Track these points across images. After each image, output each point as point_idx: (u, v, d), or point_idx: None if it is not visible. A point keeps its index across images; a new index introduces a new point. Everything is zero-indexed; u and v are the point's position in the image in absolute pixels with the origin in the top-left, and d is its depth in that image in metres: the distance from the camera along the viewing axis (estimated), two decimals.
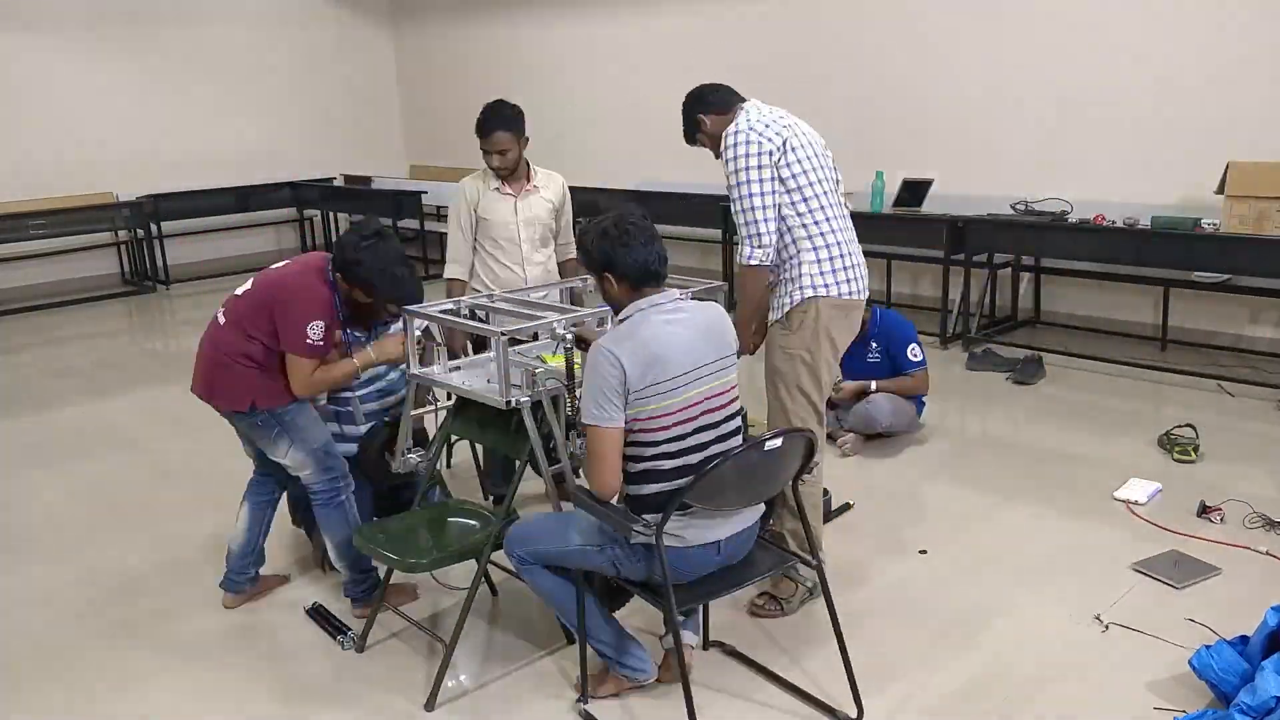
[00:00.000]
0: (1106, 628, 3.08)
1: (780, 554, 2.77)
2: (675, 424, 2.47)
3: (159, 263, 9.28)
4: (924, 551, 3.61)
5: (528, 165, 4.01)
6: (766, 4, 7.70)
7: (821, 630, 2.96)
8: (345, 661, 3.09)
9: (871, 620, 3.18)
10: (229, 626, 3.31)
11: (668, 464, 2.48)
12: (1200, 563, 3.42)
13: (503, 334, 2.83)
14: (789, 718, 2.74)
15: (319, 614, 3.34)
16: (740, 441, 2.58)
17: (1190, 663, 2.72)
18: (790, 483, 2.65)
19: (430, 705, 2.82)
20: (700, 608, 2.95)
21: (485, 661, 3.05)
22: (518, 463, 2.97)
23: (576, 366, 2.80)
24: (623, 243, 2.50)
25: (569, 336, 2.84)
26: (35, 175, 8.90)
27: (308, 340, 3.05)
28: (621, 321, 2.55)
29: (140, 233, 9.22)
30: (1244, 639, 2.70)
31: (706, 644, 3.05)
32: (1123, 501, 3.95)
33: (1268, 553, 3.49)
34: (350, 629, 3.21)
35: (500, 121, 3.83)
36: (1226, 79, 5.62)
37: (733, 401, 2.59)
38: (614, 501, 2.55)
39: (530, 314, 3.12)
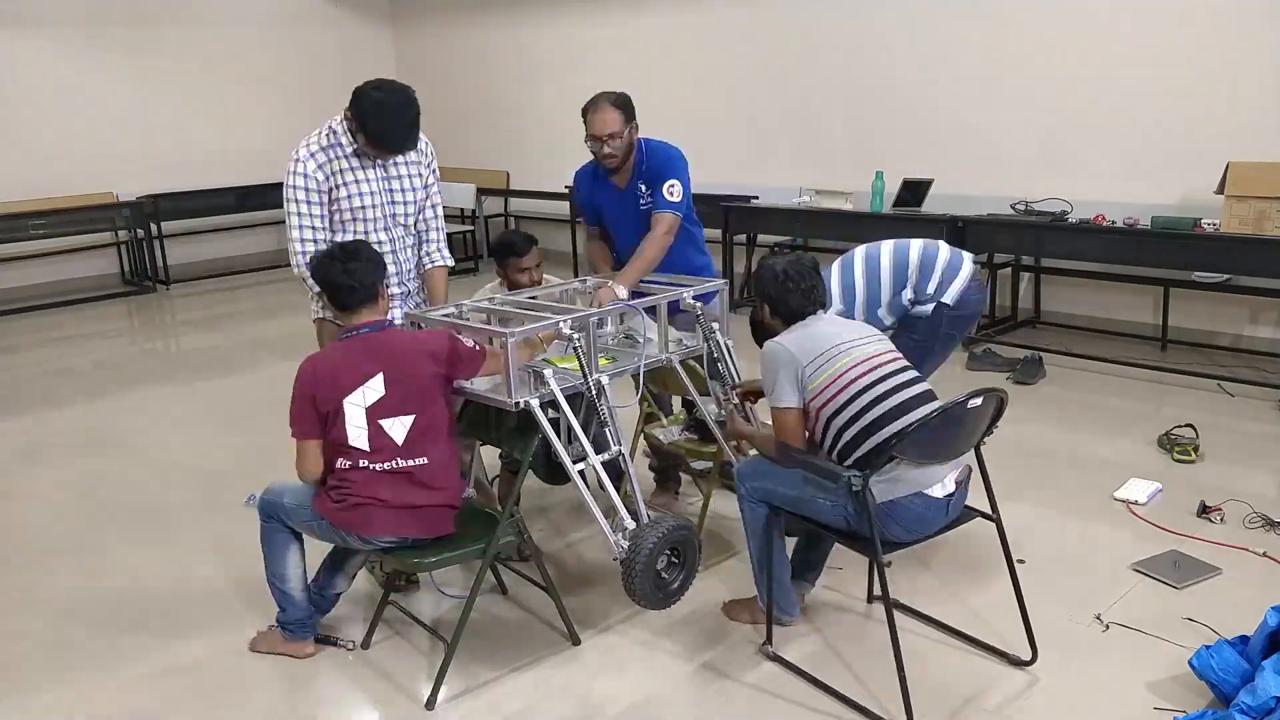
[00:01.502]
0: (1106, 628, 3.08)
1: (964, 509, 2.89)
2: (848, 383, 2.74)
3: (159, 263, 9.28)
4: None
5: None
6: (766, 4, 7.70)
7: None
8: (347, 659, 3.09)
9: (878, 631, 3.18)
10: (229, 626, 3.31)
11: (857, 425, 2.72)
12: (1200, 563, 3.43)
13: (511, 335, 2.84)
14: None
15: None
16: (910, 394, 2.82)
17: (1190, 663, 2.72)
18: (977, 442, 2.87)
19: (431, 704, 2.83)
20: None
21: (488, 661, 3.05)
22: (523, 462, 2.98)
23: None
24: (785, 289, 2.90)
25: (576, 337, 2.86)
26: (35, 175, 8.89)
27: (469, 345, 2.95)
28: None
29: (140, 233, 9.22)
30: (1244, 639, 2.70)
31: (870, 598, 3.31)
32: (1123, 501, 3.95)
33: (1267, 553, 3.49)
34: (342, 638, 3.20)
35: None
36: (1226, 79, 5.62)
37: (895, 359, 2.85)
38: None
39: (535, 315, 3.12)
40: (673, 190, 3.83)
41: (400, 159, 3.33)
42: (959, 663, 2.96)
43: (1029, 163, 6.44)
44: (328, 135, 3.27)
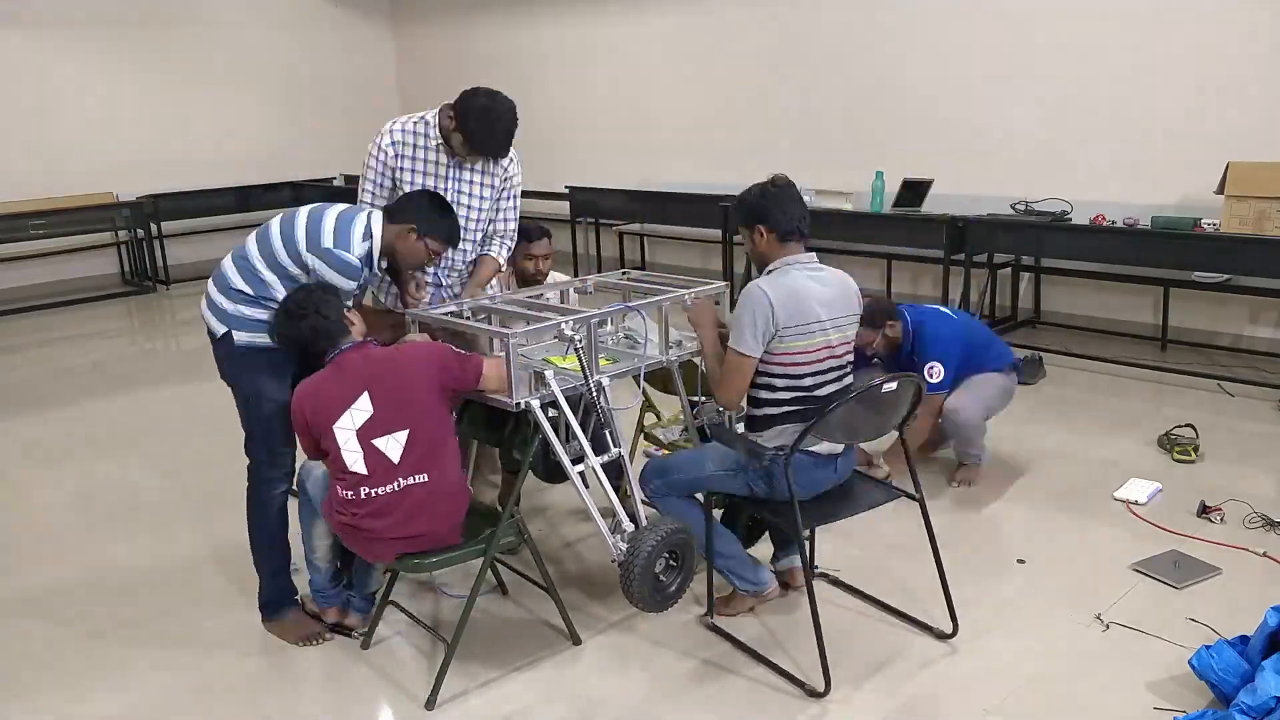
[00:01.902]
0: (1107, 628, 3.08)
1: (888, 489, 3.11)
2: (810, 362, 2.87)
3: (159, 263, 9.28)
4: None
5: None
6: (766, 4, 7.70)
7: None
8: (347, 659, 3.09)
9: (871, 620, 3.18)
10: (229, 626, 3.31)
11: (790, 395, 2.89)
12: (1200, 563, 3.43)
13: (512, 336, 2.84)
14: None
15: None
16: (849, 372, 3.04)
17: (1190, 663, 2.72)
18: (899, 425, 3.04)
19: (431, 704, 2.83)
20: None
21: (489, 661, 3.05)
22: (523, 462, 2.98)
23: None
24: (776, 200, 2.91)
25: (577, 338, 2.87)
26: (35, 175, 8.89)
27: (462, 353, 2.92)
28: (770, 271, 2.93)
29: (140, 233, 9.22)
30: (1244, 639, 2.70)
31: (812, 573, 3.31)
32: (1123, 501, 3.95)
33: (1267, 553, 3.49)
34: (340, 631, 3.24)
35: None
36: (1226, 79, 5.63)
37: (849, 352, 3.00)
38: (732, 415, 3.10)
39: (536, 315, 3.12)
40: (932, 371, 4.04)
41: (478, 165, 3.48)
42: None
43: (1029, 163, 6.44)
44: (418, 122, 3.44)
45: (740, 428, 3.09)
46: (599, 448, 3.02)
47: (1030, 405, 5.20)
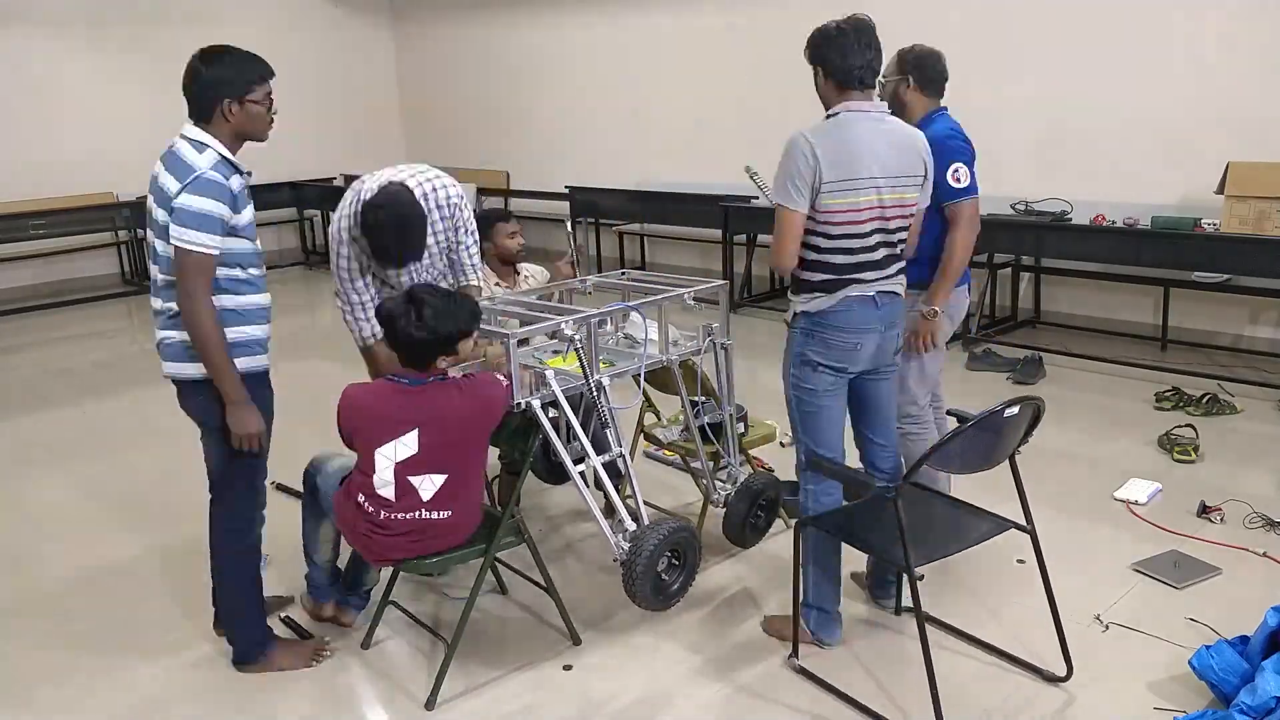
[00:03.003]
0: (1106, 628, 3.08)
1: (997, 520, 2.79)
2: (852, 221, 2.66)
3: None
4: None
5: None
6: (766, 4, 7.70)
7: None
8: (347, 659, 3.09)
9: (873, 621, 3.18)
10: None
11: (838, 259, 2.71)
12: (1200, 563, 3.43)
13: (513, 336, 2.84)
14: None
15: (290, 625, 3.31)
16: (899, 257, 2.83)
17: (1190, 663, 2.72)
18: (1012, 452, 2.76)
19: (431, 704, 2.83)
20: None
21: (489, 660, 3.05)
22: (524, 463, 2.98)
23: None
24: (838, 44, 2.66)
25: (578, 338, 2.87)
26: (35, 175, 8.89)
27: (500, 381, 2.85)
28: (829, 118, 2.70)
29: (140, 233, 9.22)
30: (1244, 639, 2.70)
31: (899, 610, 3.20)
32: (1123, 501, 3.95)
33: (1267, 553, 3.49)
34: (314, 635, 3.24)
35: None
36: (1226, 79, 5.62)
37: (904, 219, 2.77)
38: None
39: (535, 315, 3.12)
40: None
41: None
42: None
43: (1029, 163, 6.44)
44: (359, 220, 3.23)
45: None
46: (599, 448, 3.02)
47: None
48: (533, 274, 4.16)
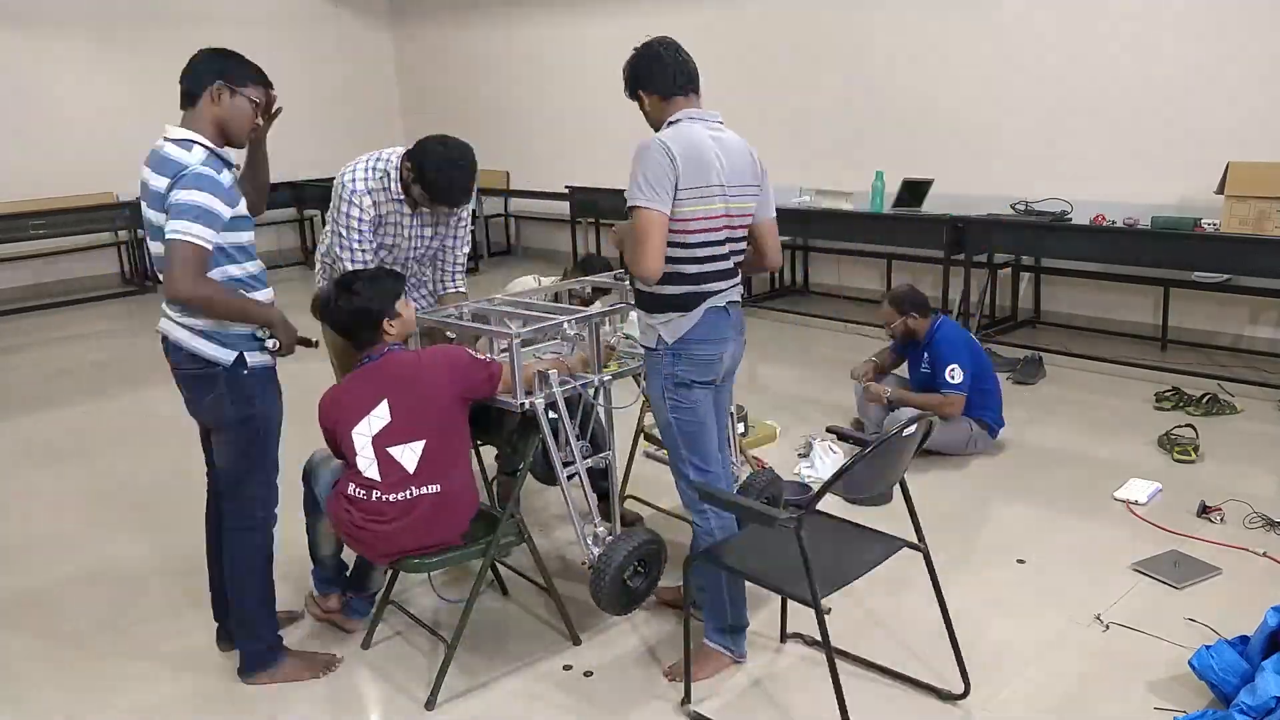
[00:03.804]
0: (1106, 628, 3.08)
1: (889, 541, 2.69)
2: (708, 229, 2.64)
3: None
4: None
5: None
6: (765, 4, 7.71)
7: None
8: (347, 659, 3.09)
9: (871, 620, 3.18)
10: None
11: (693, 269, 2.66)
12: (1200, 563, 3.43)
13: (516, 336, 2.85)
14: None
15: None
16: (736, 269, 2.81)
17: (1190, 663, 2.72)
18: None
19: (431, 704, 2.83)
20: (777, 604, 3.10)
21: (489, 660, 3.05)
22: (522, 464, 2.99)
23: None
24: (648, 61, 2.73)
25: (582, 336, 2.89)
26: (35, 175, 8.89)
27: (482, 359, 2.87)
28: (669, 126, 2.69)
29: (140, 233, 9.22)
30: (1244, 639, 2.70)
31: (784, 637, 3.10)
32: (1123, 501, 3.95)
33: (1267, 553, 3.49)
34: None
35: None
36: (1226, 79, 5.62)
37: (745, 226, 2.78)
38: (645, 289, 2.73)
39: (538, 315, 3.13)
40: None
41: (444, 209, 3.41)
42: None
43: (1029, 163, 6.44)
44: (381, 177, 3.31)
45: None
46: (597, 447, 3.04)
47: (1030, 405, 5.20)
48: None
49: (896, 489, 2.78)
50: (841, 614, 3.16)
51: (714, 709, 2.76)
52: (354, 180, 3.30)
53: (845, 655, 2.93)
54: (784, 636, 3.10)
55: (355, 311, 2.83)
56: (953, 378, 4.35)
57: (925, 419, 2.58)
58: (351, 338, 2.89)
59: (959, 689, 2.76)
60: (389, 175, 3.30)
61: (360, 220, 3.28)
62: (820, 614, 2.35)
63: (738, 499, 2.72)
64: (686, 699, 2.75)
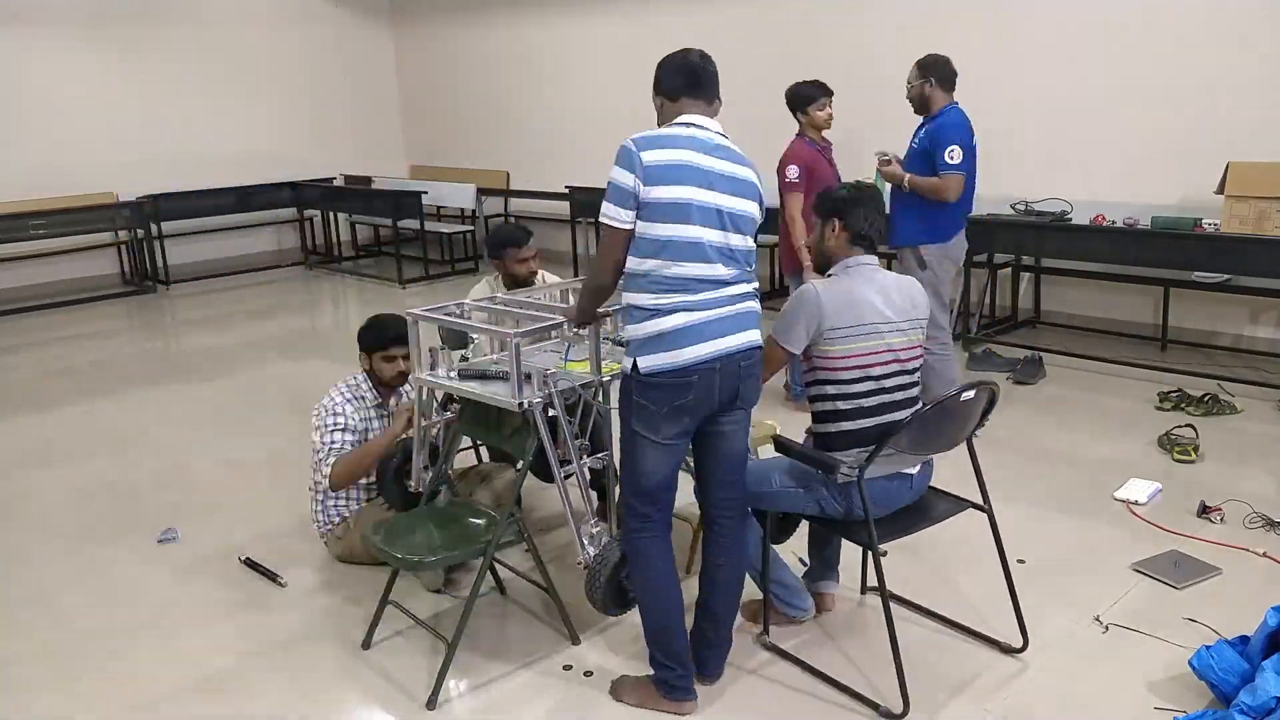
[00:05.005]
0: (1106, 628, 3.08)
1: (956, 500, 2.98)
2: (865, 366, 2.74)
3: (159, 263, 9.28)
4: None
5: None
6: (765, 4, 7.70)
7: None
8: (347, 659, 3.09)
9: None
10: (231, 626, 3.32)
11: (851, 405, 2.76)
12: (1200, 563, 3.43)
13: (516, 335, 2.85)
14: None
15: (251, 565, 3.56)
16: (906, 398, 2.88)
17: (1190, 663, 2.73)
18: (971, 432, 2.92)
19: (432, 704, 2.83)
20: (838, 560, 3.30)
21: (489, 660, 3.05)
22: (524, 463, 2.99)
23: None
24: (857, 202, 2.89)
25: (583, 335, 2.91)
26: (35, 175, 8.89)
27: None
28: (830, 274, 2.89)
29: (140, 233, 9.22)
30: (1244, 639, 2.70)
31: (865, 589, 3.36)
32: (1123, 501, 3.95)
33: (1267, 553, 3.49)
34: (281, 575, 3.46)
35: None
36: (1226, 79, 5.62)
37: (916, 358, 2.85)
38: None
39: (537, 315, 3.13)
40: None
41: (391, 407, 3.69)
42: (953, 651, 3.01)
43: (1029, 163, 6.44)
44: (352, 389, 3.63)
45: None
46: (597, 448, 3.04)
47: (1030, 405, 5.20)
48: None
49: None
50: (910, 568, 3.45)
51: (788, 645, 3.03)
52: (333, 396, 3.62)
53: (907, 603, 3.22)
54: (864, 589, 3.35)
55: None
56: (951, 158, 4.51)
57: (986, 387, 2.77)
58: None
59: (1018, 643, 2.96)
60: (359, 385, 3.64)
61: (344, 428, 3.60)
62: (877, 555, 2.66)
63: (807, 449, 2.84)
64: (765, 631, 3.07)
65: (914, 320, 2.83)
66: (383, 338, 3.57)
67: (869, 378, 2.75)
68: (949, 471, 3.09)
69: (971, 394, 2.73)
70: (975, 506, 2.92)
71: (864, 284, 2.79)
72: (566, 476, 2.98)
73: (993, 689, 2.82)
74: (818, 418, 2.83)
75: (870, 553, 2.70)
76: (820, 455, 2.76)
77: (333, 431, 3.51)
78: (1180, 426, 4.55)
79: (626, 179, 2.54)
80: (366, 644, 3.15)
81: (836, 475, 2.71)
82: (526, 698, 2.87)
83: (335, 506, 3.62)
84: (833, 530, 2.95)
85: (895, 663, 2.66)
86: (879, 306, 2.75)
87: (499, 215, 10.23)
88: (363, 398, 3.62)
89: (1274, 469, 4.25)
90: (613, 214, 2.56)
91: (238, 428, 5.27)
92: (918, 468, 2.87)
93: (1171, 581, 3.31)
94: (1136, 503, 3.92)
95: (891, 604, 2.75)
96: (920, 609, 3.21)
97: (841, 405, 2.76)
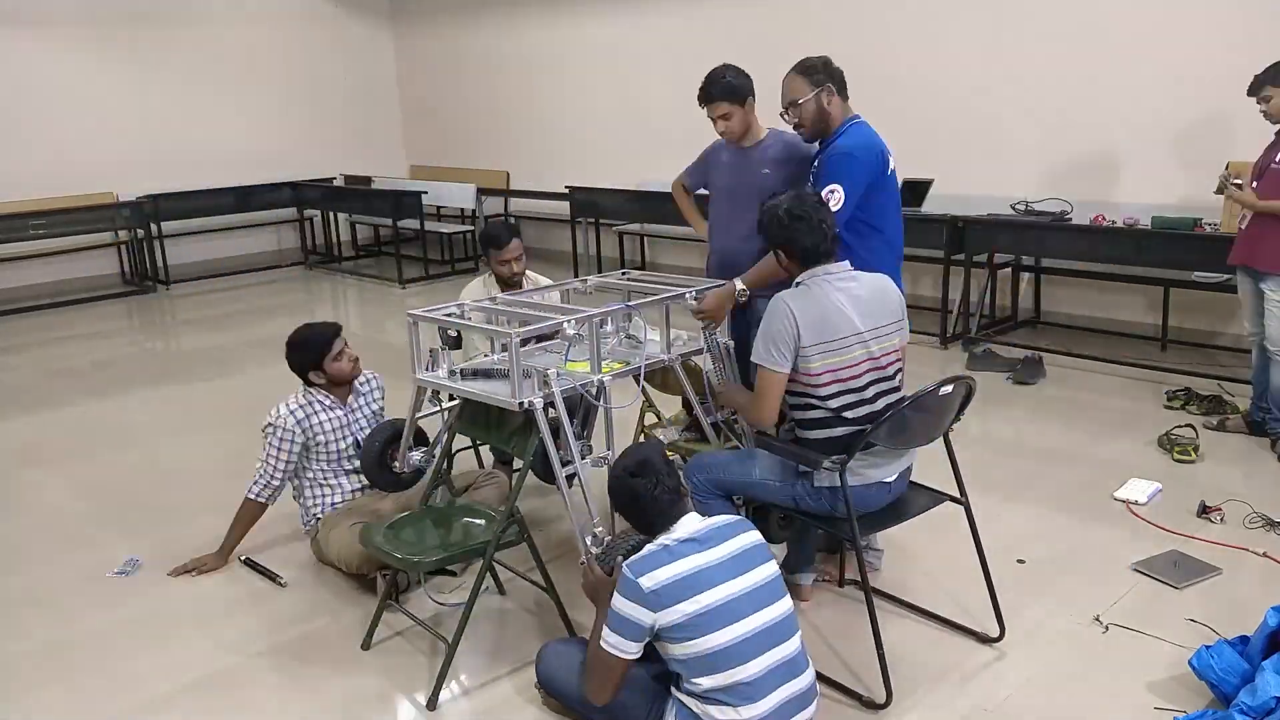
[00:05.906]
0: (1106, 628, 3.08)
1: (932, 494, 3.05)
2: (843, 379, 2.75)
3: (159, 263, 9.28)
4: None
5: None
6: (765, 4, 7.70)
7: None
8: (348, 659, 3.09)
9: (851, 611, 3.18)
10: (230, 626, 3.32)
11: (831, 414, 2.77)
12: (1200, 563, 3.43)
13: (517, 335, 2.85)
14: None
15: (251, 565, 3.58)
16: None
17: (1190, 663, 2.73)
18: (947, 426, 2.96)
19: (432, 704, 2.83)
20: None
21: (489, 661, 3.05)
22: (525, 463, 2.99)
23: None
24: (797, 228, 2.81)
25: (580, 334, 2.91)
26: (35, 175, 8.89)
27: None
28: (799, 284, 2.84)
29: (140, 233, 9.22)
30: (1244, 639, 2.70)
31: (843, 581, 3.40)
32: (1123, 501, 3.95)
33: (1267, 553, 3.49)
34: (281, 575, 3.46)
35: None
36: (1226, 79, 5.61)
37: (897, 362, 2.87)
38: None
39: (538, 315, 3.13)
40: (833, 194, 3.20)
41: (360, 402, 3.71)
42: (938, 644, 3.06)
43: (1029, 163, 6.44)
44: (304, 407, 3.60)
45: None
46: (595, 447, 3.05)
47: (1030, 405, 5.20)
48: (534, 281, 4.16)
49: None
50: (888, 563, 3.47)
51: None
52: (281, 414, 3.62)
53: (886, 596, 3.25)
54: (842, 581, 3.39)
55: None
56: (831, 200, 3.14)
57: (963, 382, 2.79)
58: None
59: (995, 633, 3.02)
60: (310, 392, 3.66)
61: (282, 441, 3.65)
62: (859, 548, 2.72)
63: (789, 446, 2.86)
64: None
65: (892, 323, 2.84)
66: (319, 344, 3.60)
67: (849, 390, 2.77)
68: (931, 468, 3.11)
69: (949, 389, 2.77)
70: (952, 499, 3.00)
71: (833, 294, 2.78)
72: (569, 477, 2.97)
73: (989, 688, 2.81)
74: (801, 425, 2.86)
75: (852, 546, 2.77)
76: (803, 452, 2.80)
77: (273, 461, 3.57)
78: (1180, 426, 4.55)
79: None
80: (366, 645, 3.15)
81: (817, 475, 2.77)
82: (527, 698, 2.87)
83: (310, 507, 3.68)
84: (814, 524, 2.98)
85: (878, 654, 2.72)
86: (850, 316, 2.76)
87: (499, 215, 10.23)
88: (317, 403, 3.62)
89: (1274, 469, 4.24)
90: None
91: (238, 427, 5.27)
92: (895, 476, 2.89)
93: (1171, 581, 3.31)
94: (1136, 503, 3.92)
95: (854, 590, 2.90)
96: (901, 601, 3.26)
97: (823, 415, 2.79)
